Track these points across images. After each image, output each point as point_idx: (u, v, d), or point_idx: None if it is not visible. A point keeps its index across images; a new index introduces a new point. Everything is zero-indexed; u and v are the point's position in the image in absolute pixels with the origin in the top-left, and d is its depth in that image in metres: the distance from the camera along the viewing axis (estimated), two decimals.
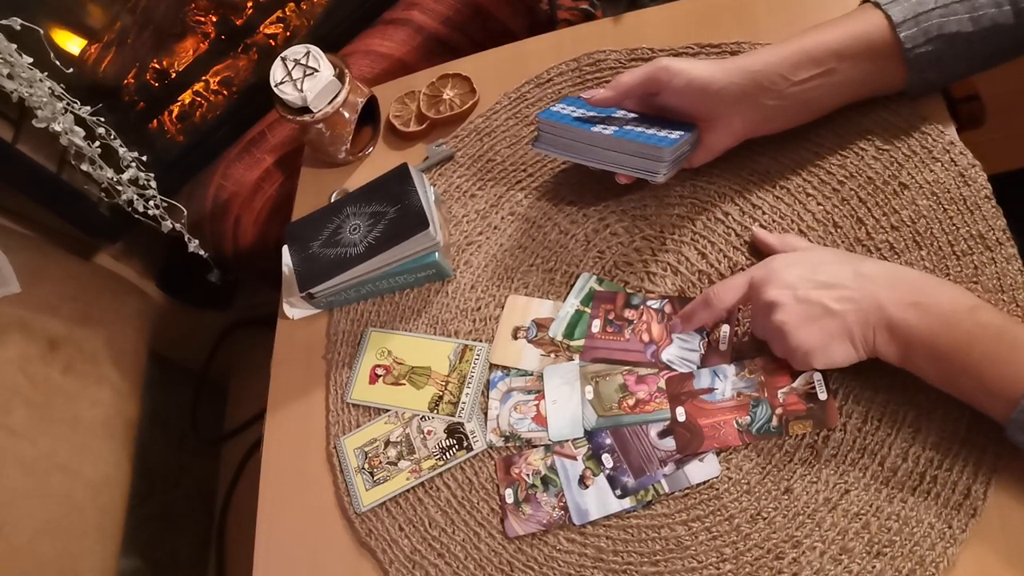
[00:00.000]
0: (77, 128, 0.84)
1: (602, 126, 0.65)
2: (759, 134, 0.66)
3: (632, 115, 0.67)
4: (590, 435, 0.64)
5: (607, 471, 0.62)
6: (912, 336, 0.52)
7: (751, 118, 0.64)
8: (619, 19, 0.83)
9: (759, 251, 0.66)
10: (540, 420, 0.66)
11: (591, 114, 0.67)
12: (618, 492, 0.61)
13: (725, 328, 0.64)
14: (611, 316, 0.67)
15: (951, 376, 0.52)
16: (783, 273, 0.57)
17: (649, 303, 0.67)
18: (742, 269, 0.66)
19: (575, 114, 0.67)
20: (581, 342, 0.67)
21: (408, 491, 0.67)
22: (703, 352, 0.64)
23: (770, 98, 0.62)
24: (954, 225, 0.61)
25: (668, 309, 0.66)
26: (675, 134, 0.63)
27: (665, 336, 0.65)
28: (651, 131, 0.63)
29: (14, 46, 0.77)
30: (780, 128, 0.66)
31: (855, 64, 0.61)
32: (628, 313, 0.67)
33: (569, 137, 0.67)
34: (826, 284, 0.55)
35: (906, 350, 0.53)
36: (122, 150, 0.89)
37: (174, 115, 1.14)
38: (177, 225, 0.98)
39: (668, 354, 0.64)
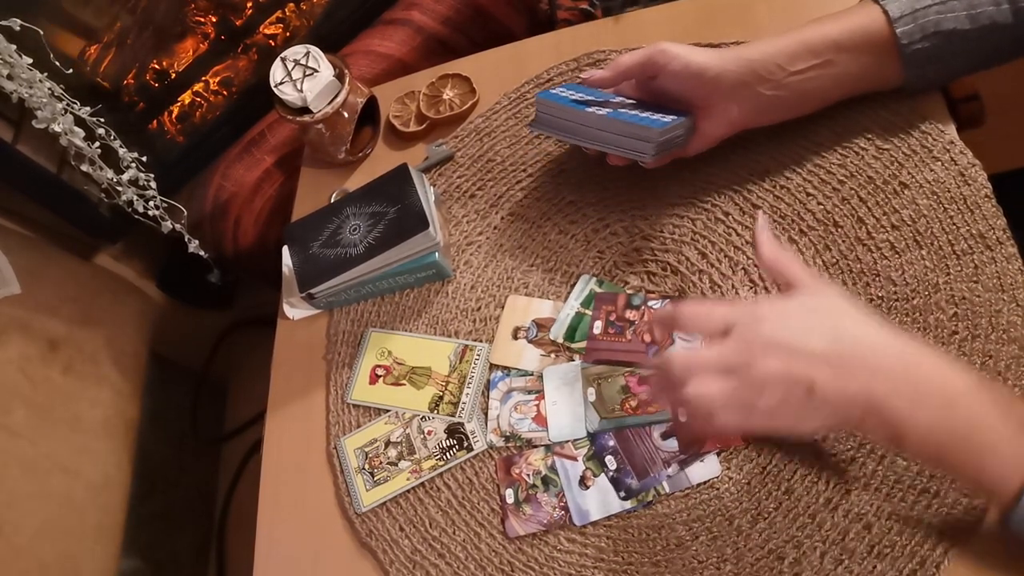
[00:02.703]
0: (77, 129, 0.84)
1: (597, 108, 0.65)
2: (756, 124, 0.66)
3: (630, 101, 0.68)
4: (593, 437, 0.64)
5: (611, 473, 0.62)
6: (906, 427, 0.47)
7: (748, 107, 0.64)
8: (619, 19, 0.83)
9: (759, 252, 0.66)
10: (540, 420, 0.66)
11: (589, 98, 0.67)
12: (622, 494, 0.61)
13: None
14: (612, 317, 0.67)
15: (946, 467, 0.50)
16: (768, 336, 0.48)
17: (651, 304, 0.67)
18: (743, 269, 0.66)
19: (573, 97, 0.68)
20: (582, 344, 0.67)
21: (408, 491, 0.67)
22: None
23: (767, 87, 0.62)
24: (954, 224, 0.61)
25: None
26: (667, 118, 0.63)
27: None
28: (644, 114, 0.64)
29: (14, 47, 0.77)
30: (777, 119, 0.66)
31: (853, 57, 0.61)
32: (629, 314, 0.67)
33: (565, 118, 0.67)
34: (811, 359, 0.47)
35: (899, 440, 0.47)
36: (122, 151, 0.89)
37: (174, 115, 1.14)
38: (177, 226, 0.98)
39: None
